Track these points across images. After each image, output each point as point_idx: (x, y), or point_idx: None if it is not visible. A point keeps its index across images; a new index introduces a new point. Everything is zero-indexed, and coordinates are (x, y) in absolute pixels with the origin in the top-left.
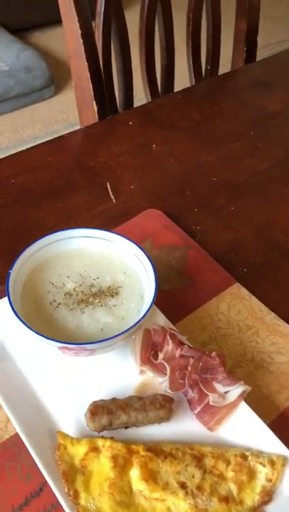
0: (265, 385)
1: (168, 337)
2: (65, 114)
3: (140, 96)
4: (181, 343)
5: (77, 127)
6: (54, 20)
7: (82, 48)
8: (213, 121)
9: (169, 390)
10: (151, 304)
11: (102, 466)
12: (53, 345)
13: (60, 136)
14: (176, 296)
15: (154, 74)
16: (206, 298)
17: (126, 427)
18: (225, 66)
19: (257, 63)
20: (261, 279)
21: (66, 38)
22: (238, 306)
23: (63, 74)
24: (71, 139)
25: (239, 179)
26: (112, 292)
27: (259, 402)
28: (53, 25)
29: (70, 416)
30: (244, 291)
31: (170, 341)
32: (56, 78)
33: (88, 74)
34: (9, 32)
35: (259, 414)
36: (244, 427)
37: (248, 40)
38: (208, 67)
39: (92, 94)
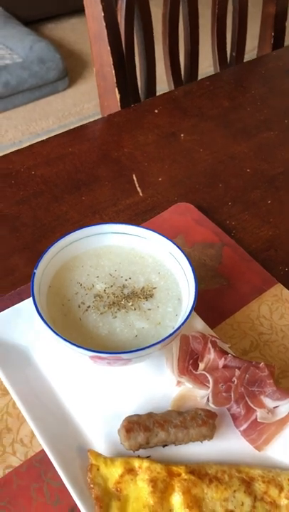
0: None
1: (209, 345)
2: (79, 106)
3: (162, 85)
4: (223, 352)
5: (92, 120)
6: (67, 11)
7: (105, 31)
8: (244, 109)
9: (212, 405)
10: (192, 307)
11: (140, 491)
12: (83, 354)
13: (82, 125)
14: (212, 298)
15: (177, 61)
16: (245, 300)
17: (164, 446)
18: (250, 54)
19: (287, 48)
20: None
21: (88, 22)
22: (280, 309)
23: (77, 66)
24: (93, 128)
25: (275, 171)
26: (146, 294)
27: None
28: (66, 17)
29: (101, 432)
30: (287, 293)
31: (212, 350)
32: (70, 70)
33: (111, 59)
34: (22, 24)
35: None
36: None
37: (276, 25)
38: (234, 54)
39: (115, 80)
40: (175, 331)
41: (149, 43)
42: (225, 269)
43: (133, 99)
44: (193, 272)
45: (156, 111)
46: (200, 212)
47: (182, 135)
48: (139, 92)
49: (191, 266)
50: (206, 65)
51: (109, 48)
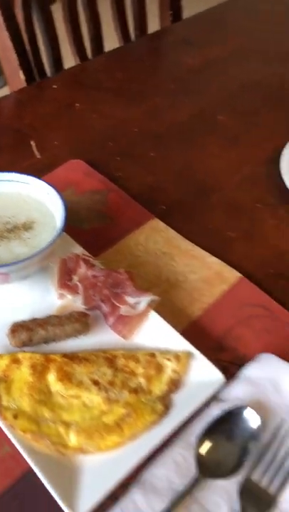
0: (179, 300)
1: (81, 261)
2: None
3: (71, 64)
4: (93, 266)
5: None
6: None
7: (1, 18)
8: (136, 80)
9: (83, 306)
10: (61, 229)
11: (23, 374)
12: None
13: None
14: (97, 234)
15: (81, 43)
16: (125, 232)
17: (46, 342)
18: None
19: (182, 22)
20: (179, 215)
21: None
22: (155, 237)
23: None
24: None
25: (160, 129)
26: (27, 227)
27: (173, 314)
28: None
29: None
30: (162, 225)
31: (83, 265)
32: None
33: (11, 44)
34: None
35: (173, 324)
36: (155, 334)
37: (173, 4)
38: (137, 34)
39: (18, 63)
40: (45, 248)
41: (49, 28)
42: (109, 211)
43: (40, 79)
44: (63, 203)
45: (54, 86)
46: (90, 167)
47: (78, 105)
48: (47, 72)
49: (61, 198)
50: (115, 44)
51: (7, 32)
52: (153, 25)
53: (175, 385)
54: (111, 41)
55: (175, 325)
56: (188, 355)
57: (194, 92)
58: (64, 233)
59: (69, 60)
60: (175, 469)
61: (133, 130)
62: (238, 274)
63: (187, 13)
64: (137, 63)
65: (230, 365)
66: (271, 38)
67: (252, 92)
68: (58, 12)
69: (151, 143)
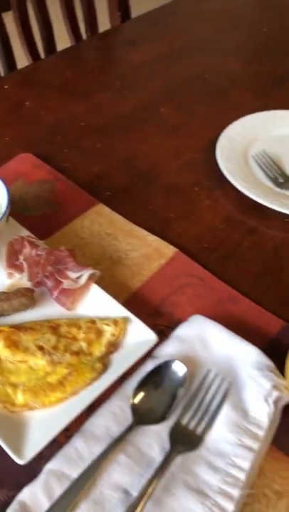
0: (121, 275)
1: (25, 242)
2: None
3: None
4: (37, 245)
5: None
6: None
7: None
8: (84, 77)
9: (29, 282)
10: (5, 213)
11: None
12: None
13: None
14: (45, 220)
15: (33, 43)
16: (72, 218)
17: None
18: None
19: (130, 22)
20: (123, 199)
21: None
22: (100, 221)
23: None
24: None
25: (105, 123)
26: None
27: (115, 287)
28: None
29: None
30: (106, 209)
31: (27, 245)
32: None
33: None
34: None
35: (114, 296)
36: (96, 304)
37: (120, 4)
38: (88, 34)
39: None
40: None
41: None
42: (56, 198)
43: None
44: (7, 189)
45: (6, 86)
46: (38, 159)
47: (27, 103)
48: (0, 73)
49: (5, 186)
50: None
51: None
52: (106, 23)
53: (114, 346)
54: (64, 41)
55: (117, 297)
56: (126, 320)
57: (139, 87)
58: (14, 220)
59: (22, 60)
60: (113, 419)
61: (80, 124)
62: (175, 249)
63: (138, 11)
64: (85, 62)
65: (167, 329)
66: (211, 36)
67: (193, 86)
68: (9, 16)
69: (97, 135)
